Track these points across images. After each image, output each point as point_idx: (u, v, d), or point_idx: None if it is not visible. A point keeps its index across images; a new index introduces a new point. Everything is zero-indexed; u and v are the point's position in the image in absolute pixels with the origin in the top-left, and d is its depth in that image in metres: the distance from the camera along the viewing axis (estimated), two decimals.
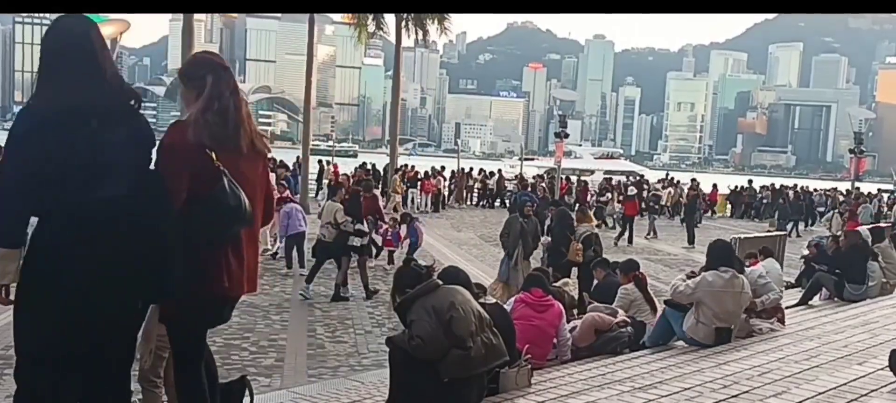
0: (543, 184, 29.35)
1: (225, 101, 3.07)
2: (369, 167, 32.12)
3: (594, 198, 28.90)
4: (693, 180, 31.29)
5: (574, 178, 38.10)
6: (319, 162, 33.71)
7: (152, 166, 2.92)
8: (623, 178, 39.89)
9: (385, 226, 14.88)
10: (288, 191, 16.94)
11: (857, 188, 37.37)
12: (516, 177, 35.78)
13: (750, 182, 37.62)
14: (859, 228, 12.52)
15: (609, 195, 28.96)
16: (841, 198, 33.11)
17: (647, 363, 6.16)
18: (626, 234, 21.61)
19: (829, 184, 51.50)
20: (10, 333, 2.84)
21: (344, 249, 12.01)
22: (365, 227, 12.39)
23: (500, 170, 35.89)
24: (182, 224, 2.87)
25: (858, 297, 9.91)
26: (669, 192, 32.51)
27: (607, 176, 40.38)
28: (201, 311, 3.12)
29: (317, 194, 27.93)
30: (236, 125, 3.09)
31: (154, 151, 2.94)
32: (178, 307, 3.03)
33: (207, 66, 3.16)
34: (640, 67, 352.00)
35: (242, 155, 3.10)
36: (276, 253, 14.58)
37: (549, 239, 12.08)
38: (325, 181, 28.48)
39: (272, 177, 20.25)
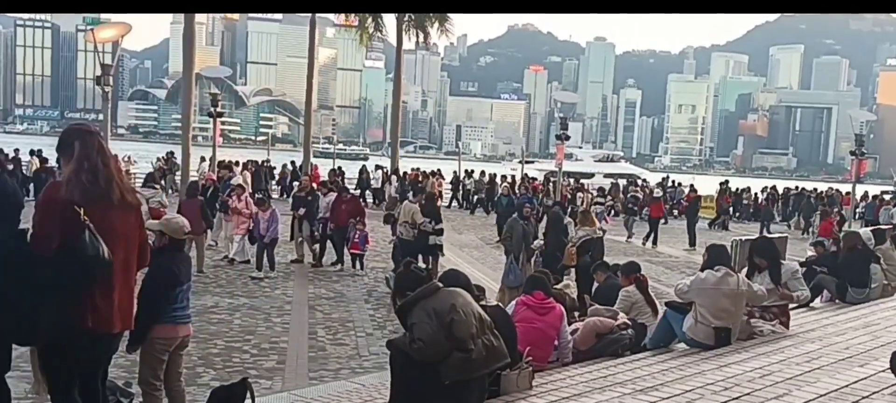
0: (507, 184, 27.67)
1: (93, 161, 3.51)
2: (386, 169, 31.95)
3: (568, 200, 27.99)
4: (724, 182, 30.88)
5: (547, 179, 36.64)
6: (292, 162, 33.53)
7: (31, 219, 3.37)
8: (604, 182, 39.09)
9: (358, 231, 14.50)
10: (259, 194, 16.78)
11: (833, 188, 37.37)
12: (487, 177, 34.98)
13: (726, 182, 37.57)
14: (860, 231, 12.47)
15: (581, 195, 28.54)
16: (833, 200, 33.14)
17: (649, 365, 6.15)
18: (651, 236, 21.63)
19: (831, 186, 51.42)
20: None
21: (427, 249, 12.27)
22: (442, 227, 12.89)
23: (469, 170, 34.49)
24: (51, 269, 3.26)
25: (861, 300, 9.90)
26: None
27: (572, 177, 39.42)
28: (69, 345, 3.43)
29: (288, 196, 25.99)
30: (108, 179, 3.53)
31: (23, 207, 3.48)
32: (48, 341, 3.43)
33: (75, 134, 3.64)
34: (641, 69, 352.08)
35: (113, 208, 3.52)
36: (233, 259, 14.19)
37: (542, 243, 12.04)
38: (296, 184, 25.07)
39: (242, 176, 19.93)
